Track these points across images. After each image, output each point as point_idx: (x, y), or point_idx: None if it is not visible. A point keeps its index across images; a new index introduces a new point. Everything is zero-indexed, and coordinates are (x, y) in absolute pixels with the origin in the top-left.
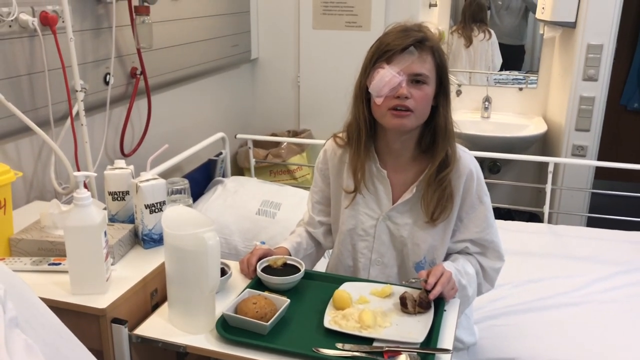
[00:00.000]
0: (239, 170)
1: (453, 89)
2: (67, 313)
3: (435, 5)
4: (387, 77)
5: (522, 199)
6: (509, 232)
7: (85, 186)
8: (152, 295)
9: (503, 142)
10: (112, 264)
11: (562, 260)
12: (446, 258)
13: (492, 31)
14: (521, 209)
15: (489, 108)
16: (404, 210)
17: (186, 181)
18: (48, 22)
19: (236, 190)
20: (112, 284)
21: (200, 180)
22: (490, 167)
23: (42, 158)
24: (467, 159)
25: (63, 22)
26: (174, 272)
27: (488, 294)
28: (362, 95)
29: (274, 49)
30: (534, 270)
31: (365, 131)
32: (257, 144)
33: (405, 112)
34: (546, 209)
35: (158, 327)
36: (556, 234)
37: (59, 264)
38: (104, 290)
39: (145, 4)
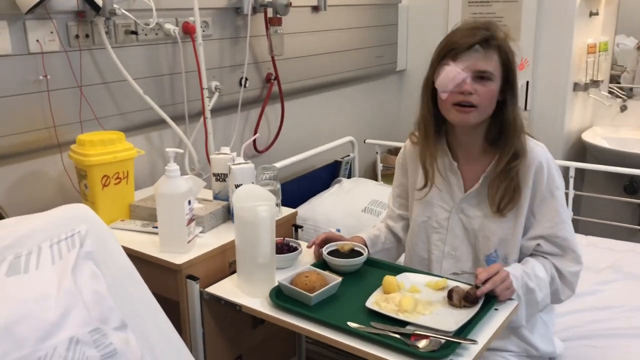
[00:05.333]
0: (375, 175)
1: (617, 104)
2: (155, 266)
3: (597, 13)
4: (452, 73)
5: None
6: (629, 253)
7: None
8: (231, 264)
9: None
10: (201, 232)
11: None
12: (520, 259)
13: None
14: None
15: None
16: (475, 202)
17: (275, 168)
18: (188, 30)
19: (350, 189)
20: (194, 246)
21: (326, 178)
22: (625, 187)
23: (182, 147)
24: (538, 151)
25: (203, 30)
26: (239, 241)
27: (592, 314)
28: (429, 90)
29: (422, 60)
30: None
31: (432, 124)
32: (393, 151)
33: (469, 108)
34: None
35: (226, 288)
36: None
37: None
38: (185, 250)
39: (278, 15)
